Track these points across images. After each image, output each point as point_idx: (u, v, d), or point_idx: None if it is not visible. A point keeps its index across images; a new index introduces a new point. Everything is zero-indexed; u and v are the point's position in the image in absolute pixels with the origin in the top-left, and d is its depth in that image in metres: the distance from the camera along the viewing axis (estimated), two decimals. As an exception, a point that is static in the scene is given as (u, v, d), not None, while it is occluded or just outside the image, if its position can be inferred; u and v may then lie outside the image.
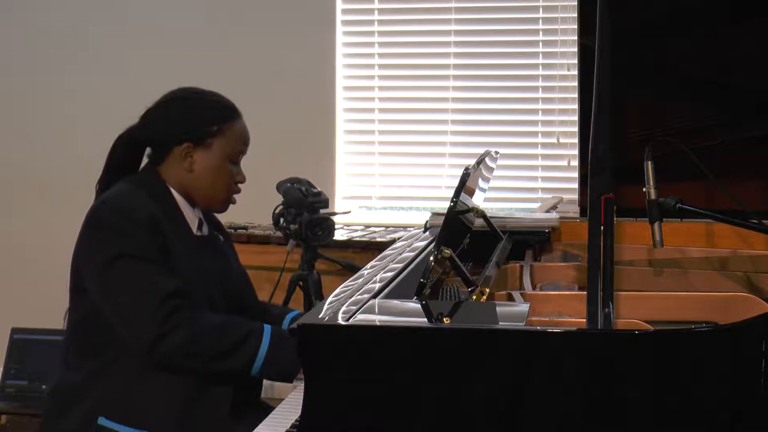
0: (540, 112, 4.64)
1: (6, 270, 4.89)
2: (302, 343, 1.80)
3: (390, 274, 2.26)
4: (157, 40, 4.81)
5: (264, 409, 2.50)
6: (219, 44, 4.75)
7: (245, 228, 4.05)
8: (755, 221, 2.33)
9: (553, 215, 3.17)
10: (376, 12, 4.72)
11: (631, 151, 2.35)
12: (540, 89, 4.63)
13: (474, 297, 2.11)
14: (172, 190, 2.51)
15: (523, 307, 2.02)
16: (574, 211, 3.24)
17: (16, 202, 4.95)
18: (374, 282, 2.18)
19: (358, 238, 4.04)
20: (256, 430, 2.31)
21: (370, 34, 4.74)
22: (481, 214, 2.60)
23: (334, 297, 2.05)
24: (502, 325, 1.90)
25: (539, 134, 4.64)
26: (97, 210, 2.44)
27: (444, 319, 1.84)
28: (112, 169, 2.56)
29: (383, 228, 4.32)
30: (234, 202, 2.61)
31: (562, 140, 4.57)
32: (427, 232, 2.86)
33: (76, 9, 4.88)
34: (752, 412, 1.74)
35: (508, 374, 1.73)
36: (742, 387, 1.74)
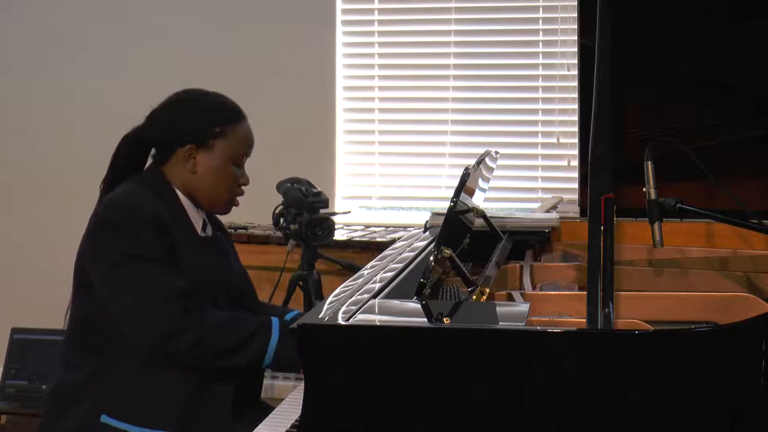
0: (540, 112, 4.63)
1: (6, 270, 4.89)
2: (302, 343, 1.80)
3: (390, 274, 2.26)
4: (157, 40, 4.81)
5: (264, 409, 2.50)
6: (219, 44, 4.75)
7: (245, 228, 4.05)
8: (755, 221, 2.33)
9: (553, 215, 3.17)
10: (376, 12, 4.72)
11: (631, 151, 2.35)
12: (540, 89, 4.62)
13: (474, 297, 2.11)
14: (177, 191, 2.52)
15: (523, 307, 2.02)
16: (574, 211, 3.24)
17: (16, 202, 4.95)
18: (374, 282, 2.18)
19: (358, 238, 4.04)
20: (256, 430, 2.31)
21: (370, 34, 4.74)
22: (481, 214, 2.60)
23: (334, 297, 2.05)
24: (502, 325, 1.90)
25: (539, 134, 4.64)
26: (104, 210, 2.44)
27: (444, 319, 1.84)
28: (117, 169, 2.56)
29: (383, 228, 4.32)
30: (237, 204, 2.61)
31: (562, 140, 4.57)
32: (427, 232, 2.87)
33: (76, 9, 4.88)
34: (752, 412, 1.74)
35: (508, 374, 1.73)
36: (742, 387, 1.74)
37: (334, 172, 4.73)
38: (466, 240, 2.44)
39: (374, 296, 2.03)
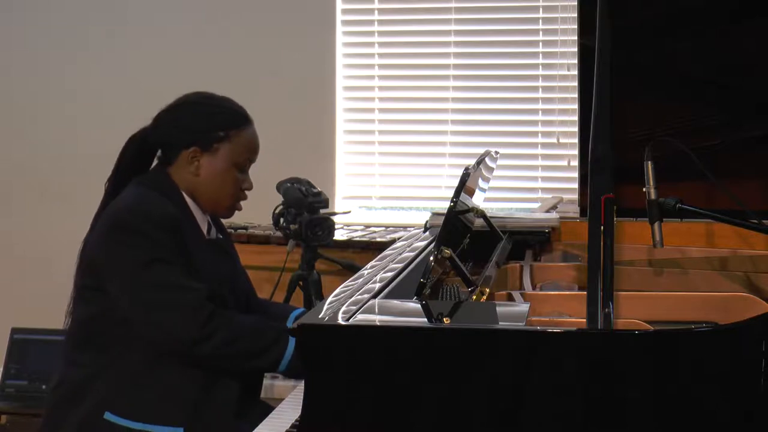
0: (540, 112, 4.63)
1: (6, 270, 4.89)
2: (302, 343, 1.80)
3: (390, 274, 2.26)
4: (157, 40, 4.81)
5: (264, 409, 2.51)
6: (219, 44, 4.75)
7: (245, 228, 4.05)
8: (755, 221, 2.33)
9: (553, 215, 3.17)
10: (376, 12, 4.72)
11: (631, 151, 2.35)
12: (540, 89, 4.62)
13: (474, 297, 2.11)
14: (183, 193, 2.52)
15: (523, 307, 2.02)
16: (574, 211, 3.24)
17: (16, 202, 4.95)
18: (374, 282, 2.18)
19: (358, 238, 4.03)
20: (256, 430, 2.31)
21: (370, 34, 4.74)
22: (481, 214, 2.60)
23: (334, 297, 2.05)
24: (502, 325, 1.90)
25: (539, 134, 4.64)
26: (122, 214, 2.43)
27: (444, 319, 1.84)
28: (122, 169, 2.57)
29: (383, 228, 4.32)
30: (240, 209, 2.61)
31: (562, 140, 4.57)
32: (427, 232, 2.87)
33: (76, 9, 4.87)
34: (752, 411, 1.73)
35: (508, 374, 1.73)
36: (742, 387, 1.74)
37: (334, 172, 4.73)
38: (466, 240, 2.44)
39: (374, 296, 2.04)
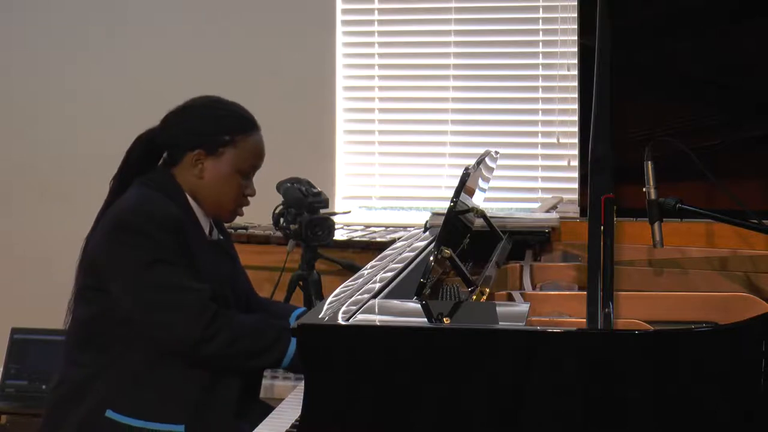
0: (540, 112, 4.63)
1: (6, 270, 4.89)
2: (302, 343, 1.80)
3: (390, 274, 2.26)
4: (157, 40, 4.81)
5: (264, 409, 2.51)
6: (219, 44, 4.75)
7: (245, 228, 4.05)
8: (755, 221, 2.33)
9: (553, 215, 3.16)
10: (376, 12, 4.72)
11: (631, 151, 2.35)
12: (540, 89, 4.62)
13: (474, 297, 2.11)
14: (186, 195, 2.52)
15: (523, 307, 2.02)
16: (574, 211, 3.24)
17: (16, 202, 4.95)
18: (374, 282, 2.18)
19: (358, 238, 4.03)
20: (256, 430, 2.31)
21: (370, 34, 4.74)
22: (481, 214, 2.60)
23: (334, 297, 2.05)
24: (502, 325, 1.90)
25: (539, 134, 4.64)
26: (126, 214, 2.44)
27: (444, 319, 1.84)
28: (128, 169, 2.57)
29: (383, 228, 4.32)
30: (242, 215, 2.62)
31: (562, 140, 4.57)
32: (427, 232, 2.86)
33: (76, 9, 4.87)
34: (752, 411, 1.73)
35: (508, 374, 1.73)
36: (742, 387, 1.74)
37: (334, 172, 4.73)
38: (466, 240, 2.44)
39: (374, 296, 2.03)
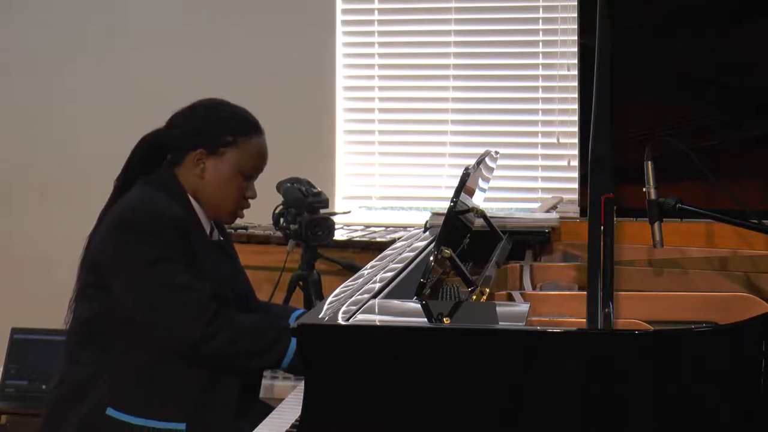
0: (540, 112, 4.63)
1: (6, 270, 4.89)
2: (302, 343, 1.80)
3: (390, 274, 2.26)
4: (157, 40, 4.81)
5: (264, 409, 2.51)
6: (219, 44, 4.75)
7: (245, 228, 4.05)
8: (755, 221, 2.33)
9: (553, 215, 3.16)
10: (376, 12, 4.72)
11: (631, 151, 2.35)
12: (540, 89, 4.62)
13: (474, 297, 2.11)
14: (188, 195, 2.53)
15: (523, 307, 2.02)
16: (574, 211, 3.24)
17: (16, 202, 4.95)
18: (374, 282, 2.18)
19: (358, 238, 4.03)
20: (256, 430, 2.31)
21: (370, 34, 4.74)
22: (481, 214, 2.60)
23: (334, 297, 2.05)
24: (502, 325, 1.90)
25: (539, 134, 4.64)
26: (129, 213, 2.44)
27: (444, 319, 1.84)
28: (132, 169, 2.57)
29: (383, 228, 4.32)
30: (242, 216, 2.62)
31: (562, 140, 4.57)
32: (427, 232, 2.86)
33: (76, 9, 4.87)
34: (752, 411, 1.73)
35: (508, 374, 1.73)
36: (742, 387, 1.74)
37: (334, 172, 4.73)
38: (466, 240, 2.44)
39: (374, 296, 2.03)
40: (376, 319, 1.89)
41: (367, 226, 4.36)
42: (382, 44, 4.73)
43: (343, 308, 1.91)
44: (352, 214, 4.47)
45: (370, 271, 2.36)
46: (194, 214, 2.53)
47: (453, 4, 4.66)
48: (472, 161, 2.41)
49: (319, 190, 3.35)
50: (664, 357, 1.71)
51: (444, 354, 1.75)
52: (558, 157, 4.60)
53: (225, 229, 2.74)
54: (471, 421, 1.72)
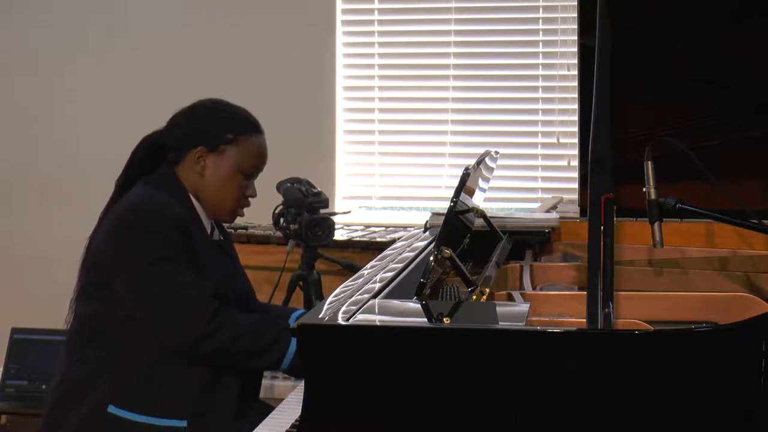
0: (540, 112, 4.63)
1: (6, 270, 4.89)
2: (302, 343, 1.80)
3: (390, 274, 2.26)
4: (157, 40, 4.81)
5: (264, 409, 2.51)
6: (219, 44, 4.75)
7: (245, 228, 4.05)
8: (755, 221, 2.33)
9: (553, 215, 3.17)
10: (376, 12, 4.72)
11: (631, 151, 2.35)
12: (540, 89, 4.62)
13: (474, 297, 2.11)
14: (189, 194, 2.53)
15: (523, 307, 2.02)
16: (574, 211, 3.24)
17: (16, 202, 4.95)
18: (374, 282, 2.18)
19: (358, 238, 4.03)
20: (256, 430, 2.31)
21: (370, 34, 4.74)
22: (481, 214, 2.60)
23: (334, 297, 2.05)
24: (502, 325, 1.90)
25: (539, 134, 4.64)
26: (129, 212, 2.45)
27: (444, 319, 1.84)
28: (132, 169, 2.58)
29: (383, 228, 4.32)
30: (242, 215, 2.62)
31: (562, 140, 4.57)
32: (427, 232, 2.86)
33: (76, 9, 4.87)
34: (752, 411, 1.73)
35: (508, 374, 1.73)
36: (742, 387, 1.74)
37: (334, 172, 4.73)
38: (466, 240, 2.44)
39: (374, 296, 2.04)
40: (376, 319, 1.89)
41: (367, 226, 4.36)
42: (382, 44, 4.73)
43: (343, 308, 1.91)
44: (352, 214, 4.47)
45: (370, 271, 2.36)
46: (195, 213, 2.53)
47: (453, 4, 4.66)
48: (472, 161, 2.41)
49: (319, 190, 3.35)
50: (664, 357, 1.71)
51: (444, 354, 1.75)
52: (558, 157, 4.60)
53: (225, 230, 2.74)
54: (471, 421, 1.72)
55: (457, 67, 4.68)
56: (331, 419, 1.77)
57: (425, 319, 1.86)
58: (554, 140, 4.60)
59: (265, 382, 2.67)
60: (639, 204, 2.27)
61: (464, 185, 2.21)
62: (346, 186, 4.78)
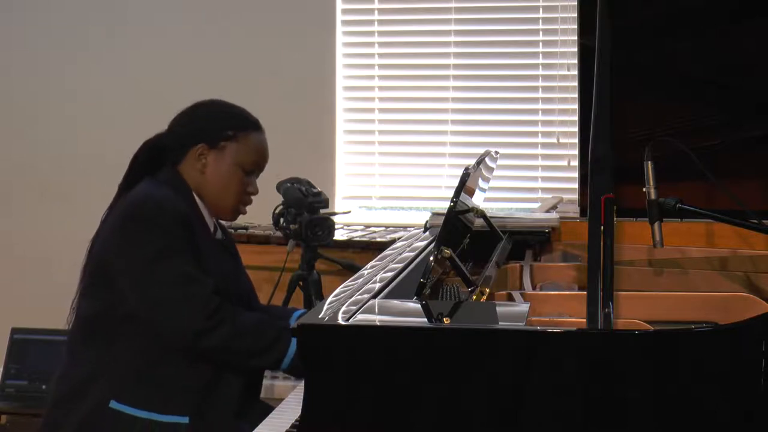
0: (540, 112, 4.63)
1: (6, 270, 4.89)
2: (302, 343, 1.80)
3: (390, 274, 2.26)
4: (157, 40, 4.81)
5: (264, 409, 2.51)
6: (219, 44, 4.75)
7: (245, 228, 4.05)
8: (755, 221, 2.33)
9: (553, 215, 3.17)
10: (376, 12, 4.72)
11: (631, 151, 2.35)
12: (540, 89, 4.62)
13: (474, 297, 2.11)
14: (192, 192, 2.54)
15: (523, 307, 2.02)
16: (574, 211, 3.24)
17: (16, 202, 4.95)
18: (374, 282, 2.18)
19: (358, 238, 4.04)
20: (256, 430, 2.31)
21: (370, 34, 4.74)
22: (481, 214, 2.60)
23: (334, 297, 2.05)
24: (502, 325, 1.90)
25: (539, 134, 4.64)
26: (134, 206, 2.46)
27: (444, 319, 1.84)
28: (135, 171, 2.58)
29: (383, 228, 4.32)
30: (244, 213, 2.62)
31: (562, 140, 4.57)
32: (427, 232, 2.86)
33: (76, 9, 4.87)
34: (752, 411, 1.73)
35: (508, 374, 1.73)
36: (742, 387, 1.74)
37: (334, 172, 4.73)
38: (466, 240, 2.44)
39: (374, 296, 2.03)
40: (376, 319, 1.89)
41: (367, 226, 4.36)
42: (382, 44, 4.73)
43: (343, 308, 1.91)
44: (352, 214, 4.47)
45: (370, 271, 2.36)
46: (198, 210, 2.54)
47: (453, 4, 4.66)
48: (472, 161, 2.41)
49: (319, 190, 3.35)
50: (664, 357, 1.71)
51: (444, 354, 1.75)
52: (558, 157, 4.60)
53: (227, 230, 2.75)
54: (471, 421, 1.72)
55: (457, 67, 4.68)
56: (331, 419, 1.77)
57: (425, 319, 1.86)
58: (554, 140, 4.60)
59: (265, 382, 2.67)
60: (639, 204, 2.27)
61: (464, 185, 2.21)
62: (346, 186, 4.78)
